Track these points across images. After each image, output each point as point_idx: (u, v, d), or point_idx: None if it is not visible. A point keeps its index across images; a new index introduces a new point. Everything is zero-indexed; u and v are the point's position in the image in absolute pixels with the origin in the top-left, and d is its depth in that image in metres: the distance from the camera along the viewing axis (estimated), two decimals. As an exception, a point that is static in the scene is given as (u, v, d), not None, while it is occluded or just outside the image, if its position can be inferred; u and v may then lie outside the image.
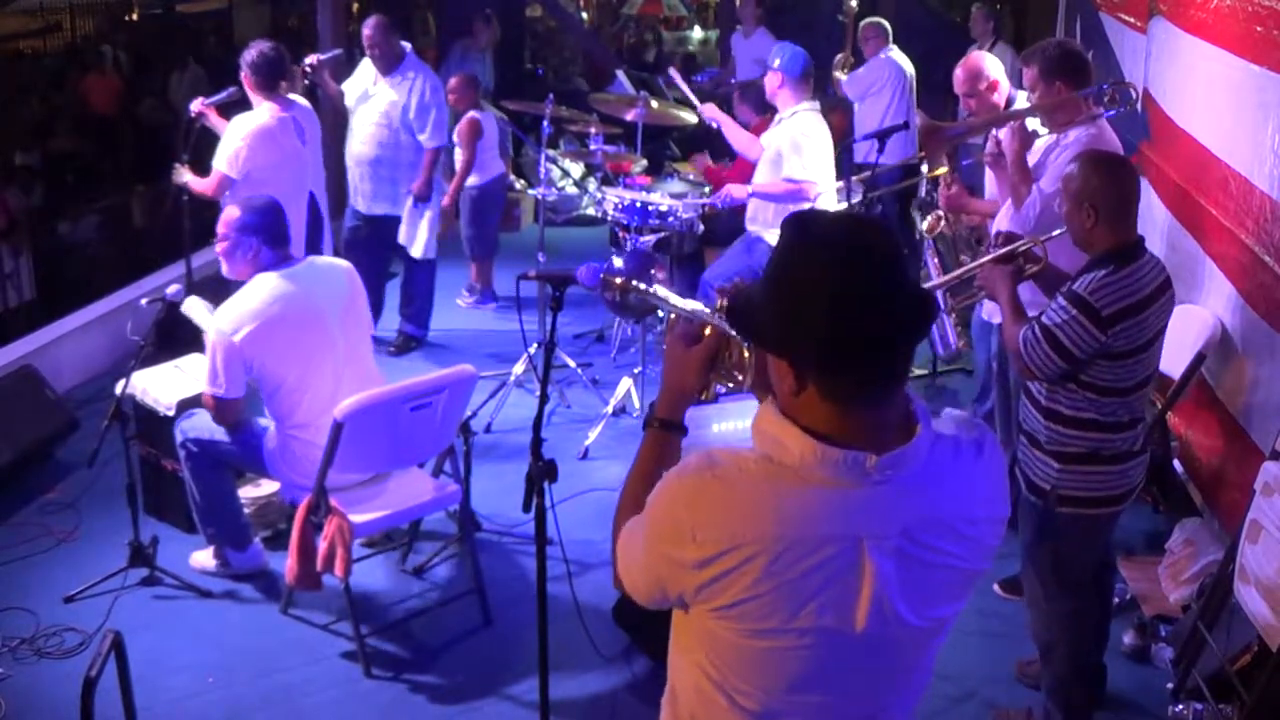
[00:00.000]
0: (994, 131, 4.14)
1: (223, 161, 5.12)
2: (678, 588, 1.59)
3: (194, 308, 4.21)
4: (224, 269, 3.92)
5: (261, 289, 3.74)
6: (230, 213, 3.83)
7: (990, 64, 4.45)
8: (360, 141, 6.16)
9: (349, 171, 6.26)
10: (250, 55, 5.22)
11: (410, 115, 6.04)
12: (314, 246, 5.51)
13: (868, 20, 7.84)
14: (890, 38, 7.69)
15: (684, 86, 6.53)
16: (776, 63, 5.39)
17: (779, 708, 1.62)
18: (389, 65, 6.08)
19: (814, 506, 1.51)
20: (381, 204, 6.22)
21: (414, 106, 6.03)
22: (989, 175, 4.52)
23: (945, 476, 1.57)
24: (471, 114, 6.84)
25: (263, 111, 5.18)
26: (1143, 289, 2.94)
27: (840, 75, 7.73)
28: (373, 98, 6.12)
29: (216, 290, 5.01)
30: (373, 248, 6.35)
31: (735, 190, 5.66)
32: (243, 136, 5.09)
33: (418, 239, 6.27)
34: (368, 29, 6.08)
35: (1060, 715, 3.26)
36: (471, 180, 6.95)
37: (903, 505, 1.53)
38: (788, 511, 1.50)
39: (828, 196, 5.43)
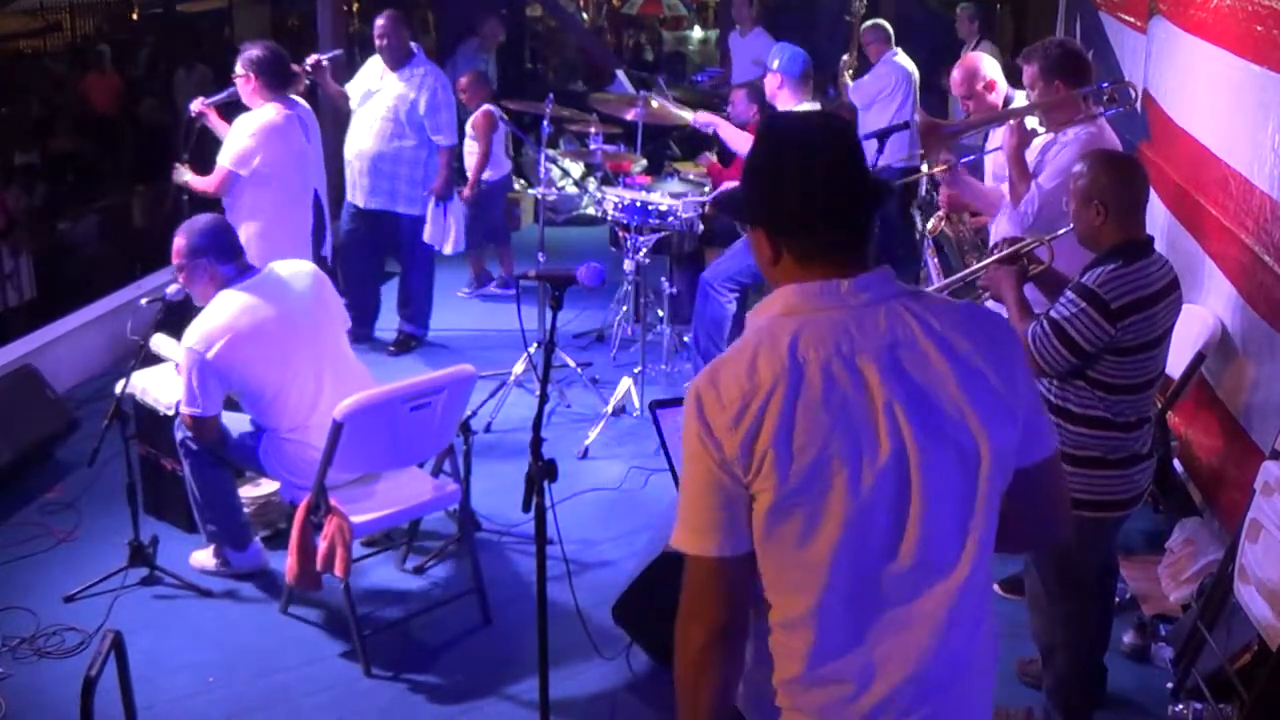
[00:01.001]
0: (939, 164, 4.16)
1: (229, 158, 5.04)
2: (726, 457, 1.66)
3: (162, 343, 4.22)
4: (194, 300, 3.93)
5: (227, 305, 3.75)
6: (177, 242, 3.84)
7: (986, 64, 4.46)
8: (364, 135, 6.13)
9: (348, 166, 6.23)
10: (255, 53, 5.10)
11: (420, 112, 6.03)
12: (316, 246, 5.51)
13: (869, 23, 7.83)
14: (892, 40, 7.68)
15: (669, 102, 6.51)
16: (776, 64, 5.39)
17: (828, 602, 1.69)
18: (398, 60, 6.07)
19: (807, 333, 1.69)
20: (378, 199, 6.19)
21: (424, 104, 6.02)
22: (988, 173, 4.52)
23: (927, 303, 1.75)
24: (487, 107, 6.89)
25: (269, 110, 5.11)
26: (1151, 284, 2.94)
27: (847, 80, 7.72)
28: (379, 92, 6.10)
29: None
30: (369, 247, 6.36)
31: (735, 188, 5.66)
32: (251, 134, 5.02)
33: (449, 236, 6.30)
34: (381, 19, 6.06)
35: (1060, 715, 3.26)
36: (485, 174, 6.99)
37: (888, 321, 1.71)
38: (787, 346, 1.68)
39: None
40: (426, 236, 6.27)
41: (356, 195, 6.23)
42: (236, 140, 5.05)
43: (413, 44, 6.18)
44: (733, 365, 1.69)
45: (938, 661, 1.74)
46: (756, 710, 1.82)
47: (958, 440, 1.69)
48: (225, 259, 3.83)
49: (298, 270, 4.00)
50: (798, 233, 1.75)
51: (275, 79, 5.14)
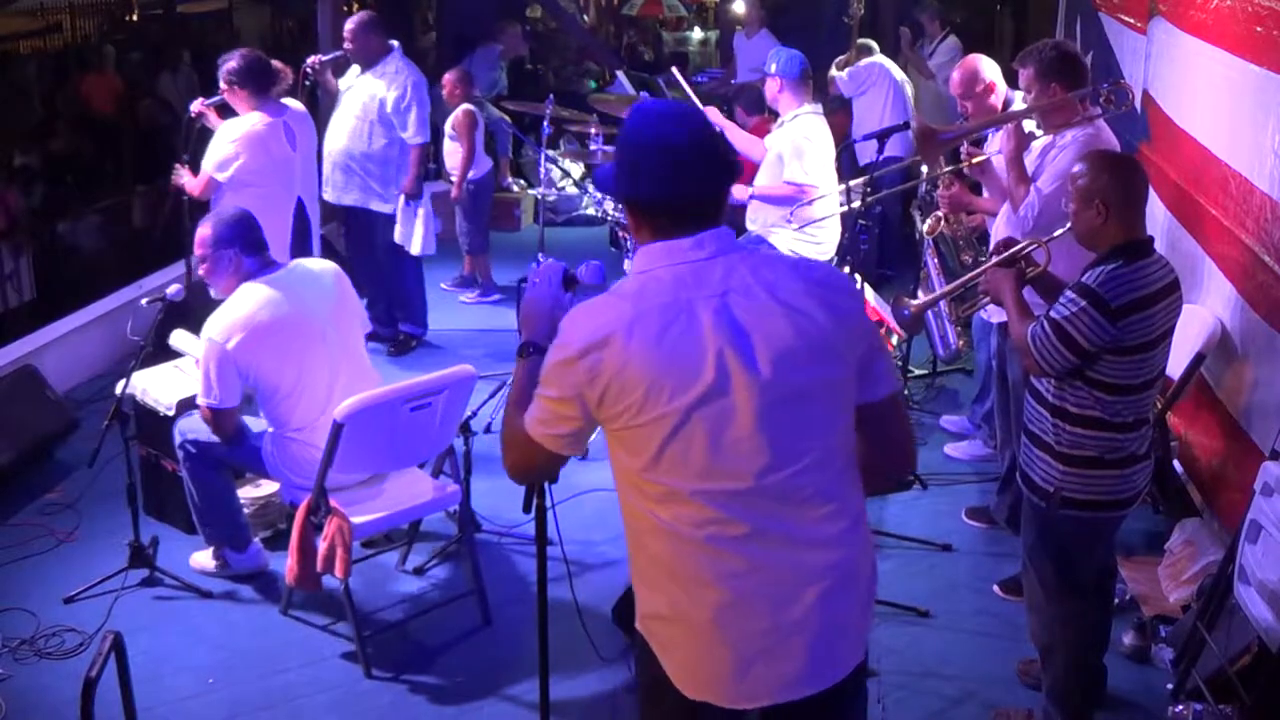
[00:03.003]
0: (994, 134, 4.14)
1: (211, 164, 5.11)
2: (573, 384, 1.95)
3: (181, 339, 4.21)
4: (211, 290, 3.91)
5: (249, 297, 3.74)
6: (202, 232, 3.83)
7: (986, 66, 4.45)
8: (335, 133, 6.10)
9: (323, 162, 6.16)
10: (235, 64, 5.12)
11: (388, 109, 5.98)
12: (301, 252, 5.49)
13: (860, 41, 7.88)
14: (875, 53, 7.73)
15: (686, 86, 6.52)
16: (773, 67, 5.39)
17: (688, 490, 1.95)
18: (369, 61, 6.04)
19: (650, 286, 1.96)
20: (351, 195, 6.15)
21: (391, 101, 5.97)
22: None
23: (761, 257, 2.03)
24: (467, 106, 6.85)
25: (253, 117, 5.15)
26: (1152, 284, 2.94)
27: (835, 74, 7.73)
28: (352, 90, 6.09)
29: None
30: (354, 244, 6.30)
31: (737, 191, 5.67)
32: (233, 140, 5.08)
33: (414, 236, 6.22)
34: (350, 23, 6.05)
35: (1060, 716, 3.26)
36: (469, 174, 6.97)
37: (723, 271, 1.96)
38: (632, 296, 1.96)
39: (829, 199, 5.44)
40: (396, 236, 6.20)
41: (328, 191, 6.16)
42: (219, 147, 5.12)
43: (391, 41, 6.12)
44: (585, 311, 1.97)
45: (778, 571, 1.97)
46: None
47: (785, 374, 1.92)
48: (250, 251, 3.81)
49: (323, 269, 3.98)
50: (655, 210, 2.01)
51: (256, 84, 5.16)
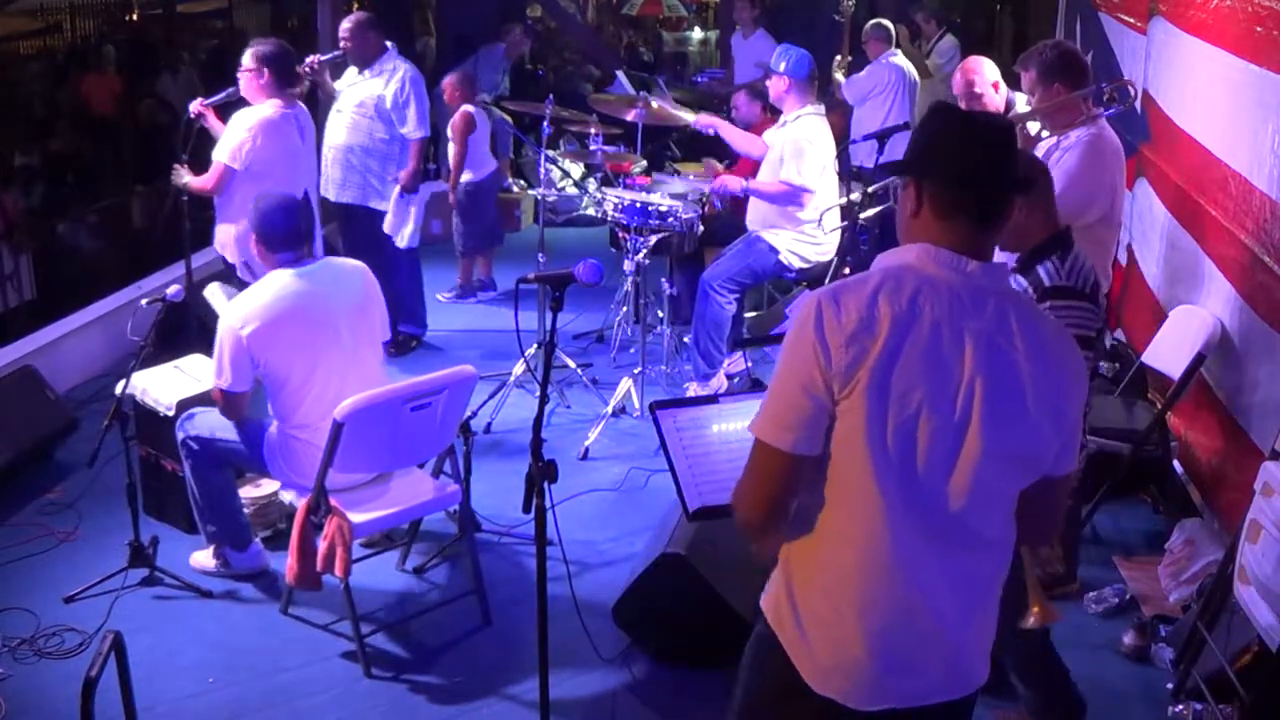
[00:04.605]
0: None
1: (225, 153, 5.05)
2: (830, 370, 1.87)
3: (214, 294, 4.20)
4: (259, 273, 3.93)
5: (273, 285, 3.74)
6: (256, 206, 3.84)
7: (987, 68, 4.46)
8: (334, 130, 6.10)
9: (322, 159, 6.14)
10: (269, 49, 5.13)
11: (386, 105, 5.99)
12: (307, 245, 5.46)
13: (872, 22, 7.85)
14: (894, 40, 7.69)
15: (669, 102, 6.50)
16: (782, 66, 5.39)
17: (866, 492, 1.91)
18: (364, 61, 6.04)
19: (926, 290, 1.89)
20: (349, 191, 6.13)
21: (390, 97, 5.97)
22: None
23: (1026, 310, 1.96)
24: (465, 108, 6.87)
25: (267, 106, 5.12)
26: (1091, 271, 2.93)
27: (839, 77, 7.73)
28: (352, 87, 6.09)
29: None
30: (352, 242, 6.28)
31: (730, 182, 5.69)
32: (248, 128, 5.03)
33: (404, 230, 6.18)
34: (346, 23, 6.06)
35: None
36: (466, 176, 6.98)
37: (995, 310, 1.91)
38: (909, 294, 1.88)
39: (826, 200, 5.44)
40: (386, 226, 6.14)
41: (328, 189, 6.15)
42: (233, 135, 5.06)
43: (386, 42, 6.12)
44: (856, 293, 1.89)
45: (937, 611, 1.98)
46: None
47: (1012, 437, 1.90)
48: (273, 248, 3.80)
49: (353, 270, 3.97)
50: (943, 184, 1.95)
51: (284, 75, 5.16)
